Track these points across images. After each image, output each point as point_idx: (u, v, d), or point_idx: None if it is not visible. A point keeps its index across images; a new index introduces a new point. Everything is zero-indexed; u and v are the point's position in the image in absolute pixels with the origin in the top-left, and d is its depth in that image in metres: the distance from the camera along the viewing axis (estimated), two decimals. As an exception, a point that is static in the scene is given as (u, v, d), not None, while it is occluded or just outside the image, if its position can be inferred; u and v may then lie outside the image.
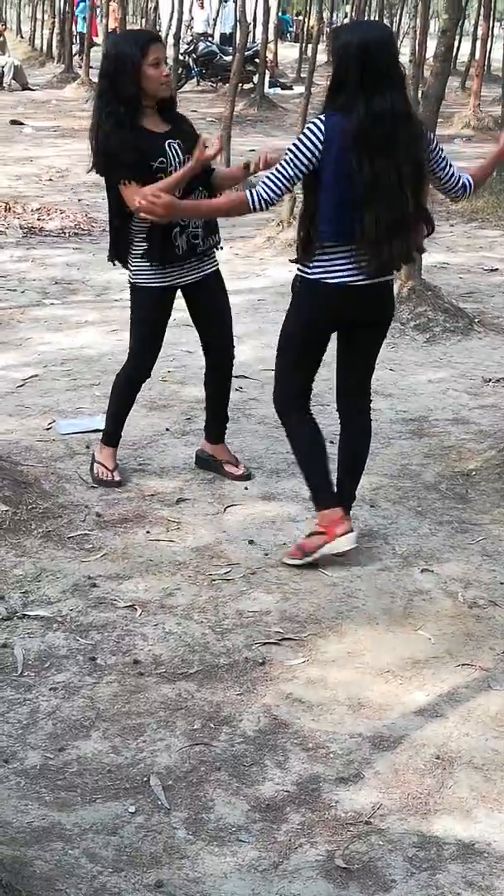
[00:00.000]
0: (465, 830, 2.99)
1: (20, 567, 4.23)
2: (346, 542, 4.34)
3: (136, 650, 3.76)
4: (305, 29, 33.10)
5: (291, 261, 4.25)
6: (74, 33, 26.53)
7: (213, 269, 4.83)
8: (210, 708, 3.47)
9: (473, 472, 5.24)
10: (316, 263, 4.09)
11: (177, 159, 4.55)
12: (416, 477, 5.23)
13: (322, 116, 3.96)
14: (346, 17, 38.71)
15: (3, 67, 24.38)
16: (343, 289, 4.09)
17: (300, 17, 38.97)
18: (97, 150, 4.59)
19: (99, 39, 25.14)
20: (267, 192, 4.00)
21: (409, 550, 4.54)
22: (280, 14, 34.23)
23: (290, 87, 25.88)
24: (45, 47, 33.39)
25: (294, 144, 3.95)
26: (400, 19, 35.22)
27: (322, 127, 3.91)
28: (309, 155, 3.92)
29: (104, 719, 3.39)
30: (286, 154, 3.97)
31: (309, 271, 4.11)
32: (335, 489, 4.43)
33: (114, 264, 4.90)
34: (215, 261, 4.86)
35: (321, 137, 3.90)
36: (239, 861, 2.86)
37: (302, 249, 4.15)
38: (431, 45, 11.93)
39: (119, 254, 4.79)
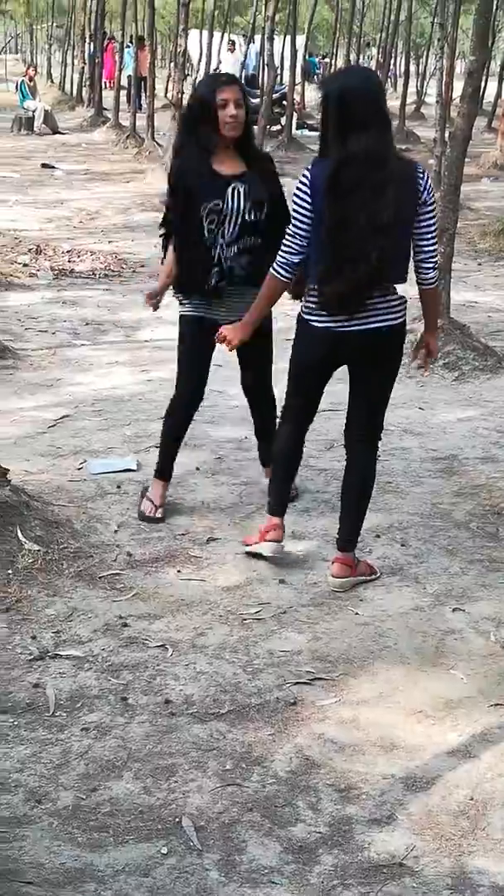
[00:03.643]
0: (499, 872, 2.96)
1: (52, 607, 4.25)
2: (265, 547, 4.65)
3: (167, 690, 3.76)
4: (332, 71, 33.43)
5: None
6: (115, 76, 26.76)
7: None
8: (242, 748, 3.46)
9: (504, 511, 5.22)
10: (307, 305, 4.28)
11: (237, 204, 4.63)
12: (446, 515, 5.22)
13: (309, 166, 4.14)
14: (371, 59, 39.04)
15: (33, 112, 24.66)
16: (327, 333, 4.23)
17: (327, 60, 39.32)
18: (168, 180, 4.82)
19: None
20: (285, 257, 4.21)
21: (441, 589, 4.52)
22: (307, 56, 34.53)
23: (317, 129, 26.02)
24: (74, 92, 33.80)
25: (293, 200, 4.16)
26: (426, 60, 35.48)
27: (308, 176, 4.10)
28: (303, 206, 4.11)
29: (136, 760, 3.39)
30: (291, 213, 4.18)
31: (304, 311, 4.30)
32: (285, 502, 4.73)
33: None
34: None
35: (307, 186, 4.10)
36: (272, 903, 2.84)
37: (297, 290, 4.41)
38: (458, 86, 12.00)
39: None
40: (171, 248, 4.84)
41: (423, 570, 4.68)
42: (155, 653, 3.99)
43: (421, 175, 4.10)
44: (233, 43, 30.79)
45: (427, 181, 4.12)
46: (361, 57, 36.79)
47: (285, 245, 4.19)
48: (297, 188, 4.11)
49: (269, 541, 4.65)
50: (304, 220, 4.11)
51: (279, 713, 3.65)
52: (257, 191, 4.65)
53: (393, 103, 28.82)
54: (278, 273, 4.24)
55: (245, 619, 4.24)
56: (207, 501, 5.29)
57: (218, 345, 4.64)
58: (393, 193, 4.00)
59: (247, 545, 4.76)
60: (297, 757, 3.43)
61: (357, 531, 4.58)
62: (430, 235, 4.18)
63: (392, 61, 30.40)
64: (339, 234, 4.02)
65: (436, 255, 4.23)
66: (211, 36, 23.32)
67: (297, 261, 4.17)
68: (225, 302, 4.77)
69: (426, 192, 4.10)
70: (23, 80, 25.28)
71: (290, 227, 4.15)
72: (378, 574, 4.61)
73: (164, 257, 4.92)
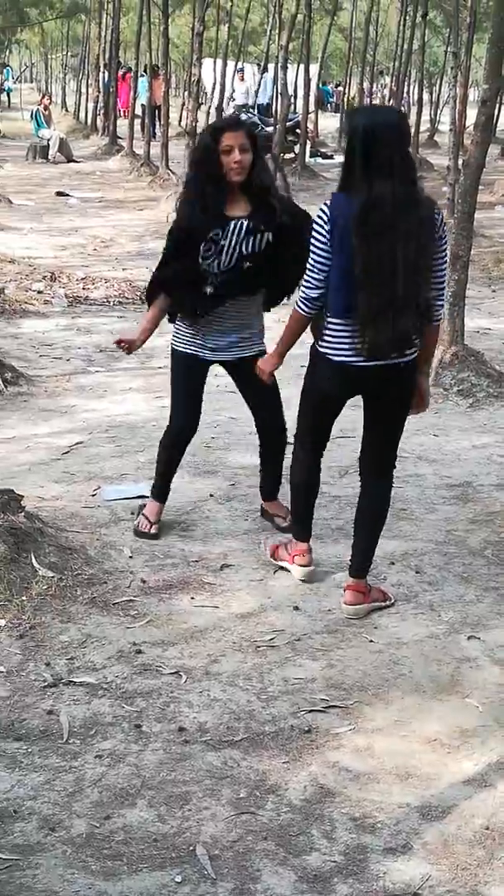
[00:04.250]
0: (516, 903, 2.93)
1: (66, 633, 4.25)
2: (297, 572, 4.78)
3: (181, 717, 3.75)
4: (346, 99, 33.60)
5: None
6: (130, 105, 26.92)
7: (253, 353, 4.92)
8: (256, 776, 3.45)
9: (519, 538, 5.21)
10: (325, 338, 4.27)
11: (236, 236, 4.67)
12: (461, 543, 5.21)
13: (329, 200, 4.15)
14: (384, 87, 39.23)
15: (48, 140, 24.83)
16: (343, 367, 4.24)
17: (340, 88, 39.55)
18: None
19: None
20: (306, 293, 4.23)
21: (456, 617, 4.50)
22: (320, 85, 34.73)
23: (332, 157, 26.15)
24: (89, 120, 34.03)
25: (312, 235, 4.15)
26: (440, 88, 35.64)
27: (328, 211, 4.11)
28: (321, 240, 4.12)
29: (150, 787, 3.38)
30: (310, 247, 4.16)
31: (320, 344, 4.30)
32: (310, 527, 4.82)
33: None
34: (256, 346, 4.97)
35: (327, 219, 4.10)
36: (286, 933, 2.82)
37: (314, 325, 4.36)
38: (471, 114, 12.05)
39: None
40: (155, 302, 4.88)
41: (438, 598, 4.66)
42: (169, 680, 3.98)
43: (438, 213, 4.14)
44: (242, 71, 30.96)
45: (441, 219, 4.16)
46: (375, 85, 37.01)
47: (305, 280, 4.21)
48: (316, 222, 4.13)
49: (300, 565, 4.77)
50: (323, 255, 4.12)
51: (293, 741, 3.64)
52: (259, 225, 4.67)
53: (406, 131, 28.94)
54: (301, 308, 4.27)
55: (259, 647, 4.23)
56: (221, 528, 5.29)
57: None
58: (426, 238, 4.05)
59: (271, 556, 4.91)
60: (312, 785, 3.41)
61: (370, 558, 4.59)
62: (442, 272, 4.23)
63: (405, 90, 30.51)
64: (378, 278, 4.02)
65: (444, 292, 4.29)
66: (225, 65, 23.47)
67: (316, 295, 4.19)
68: (213, 328, 4.85)
69: (441, 229, 4.15)
70: (38, 109, 25.48)
71: (309, 261, 4.17)
72: (392, 601, 4.60)
73: (149, 308, 4.95)
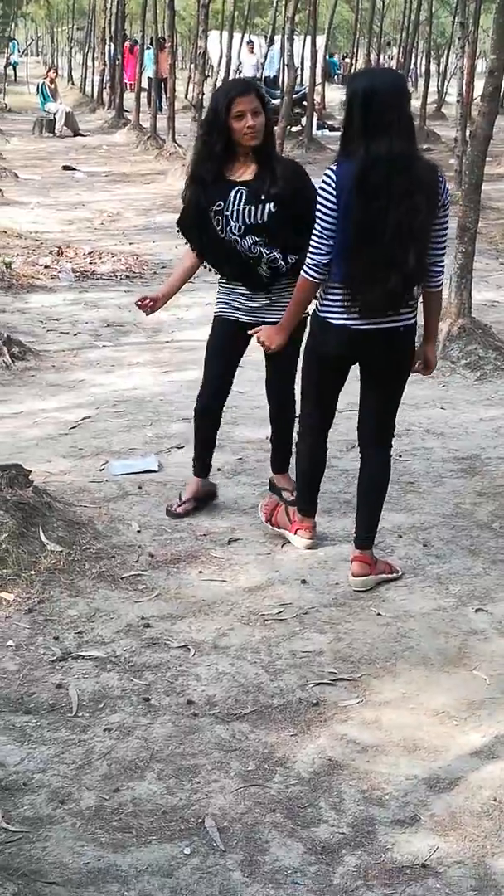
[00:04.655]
0: (523, 874, 2.95)
1: (74, 607, 4.26)
2: (297, 541, 4.82)
3: (189, 691, 3.76)
4: (352, 71, 33.38)
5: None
6: (137, 78, 26.77)
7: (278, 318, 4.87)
8: (264, 749, 3.46)
9: (527, 511, 5.20)
10: (325, 302, 4.27)
11: (235, 205, 4.66)
12: (469, 516, 5.20)
13: (333, 166, 4.12)
14: (391, 58, 38.98)
15: (54, 114, 24.75)
16: (343, 329, 4.24)
17: (347, 60, 39.32)
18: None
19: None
20: (314, 258, 4.18)
21: (463, 590, 4.51)
22: (327, 57, 34.51)
23: (338, 129, 25.84)
24: (95, 94, 33.88)
25: (317, 199, 4.13)
26: (447, 60, 35.42)
27: (333, 176, 4.08)
28: (329, 206, 4.09)
29: (158, 760, 3.39)
30: (317, 213, 4.14)
31: (319, 309, 4.30)
32: (315, 503, 4.83)
33: None
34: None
35: (334, 185, 4.07)
36: (295, 904, 2.84)
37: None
38: (478, 85, 11.97)
39: None
40: (185, 253, 4.88)
41: (446, 571, 4.67)
42: (177, 653, 3.99)
43: (441, 179, 4.12)
44: (252, 43, 30.75)
45: (445, 185, 4.15)
46: (382, 57, 36.80)
47: (313, 245, 4.18)
48: (322, 188, 4.10)
49: (304, 538, 4.82)
50: (331, 219, 4.09)
51: (302, 714, 3.65)
52: (259, 192, 4.66)
53: (413, 103, 28.70)
54: (309, 275, 4.24)
55: (267, 620, 4.24)
56: (229, 502, 5.29)
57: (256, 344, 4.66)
58: (422, 198, 4.02)
59: (267, 520, 4.93)
60: (320, 758, 3.42)
61: (374, 529, 4.59)
62: (443, 239, 4.21)
63: (412, 61, 30.34)
64: (371, 238, 4.02)
65: (444, 258, 4.27)
66: (231, 37, 23.35)
67: (325, 261, 4.16)
68: (246, 303, 4.81)
69: (444, 195, 4.13)
70: (44, 83, 25.40)
71: (317, 226, 4.14)
72: (400, 574, 4.60)
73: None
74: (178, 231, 5.02)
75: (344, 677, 3.86)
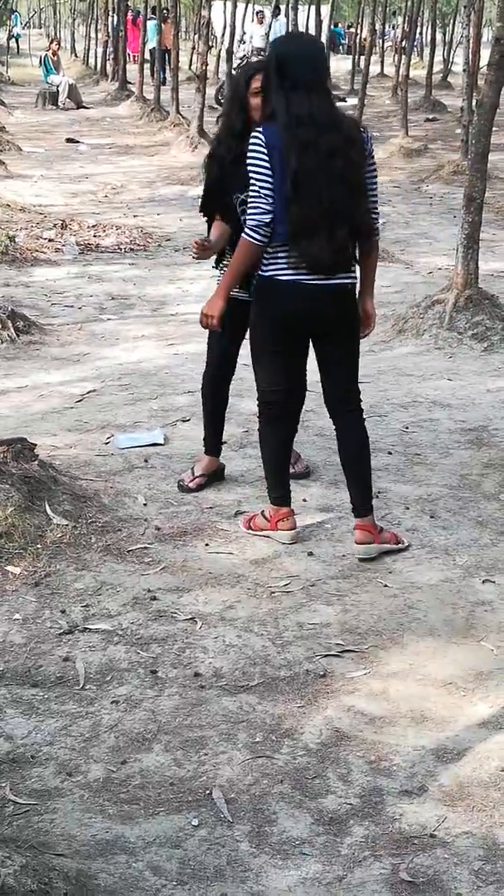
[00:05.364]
0: (531, 844, 2.95)
1: (81, 581, 4.26)
2: (283, 536, 4.62)
3: (196, 663, 3.76)
4: (358, 41, 33.14)
5: None
6: (140, 50, 26.58)
7: None
8: (272, 720, 3.46)
9: (534, 482, 5.19)
10: (271, 261, 4.24)
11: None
12: (476, 487, 5.19)
13: (259, 128, 4.16)
14: (397, 27, 38.70)
15: (57, 86, 24.65)
16: (294, 286, 4.22)
17: (352, 30, 39.02)
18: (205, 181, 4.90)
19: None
20: (257, 218, 4.15)
21: (470, 561, 4.50)
22: (332, 27, 34.25)
23: (344, 99, 25.79)
24: (98, 66, 33.70)
25: (249, 163, 4.13)
26: (453, 29, 35.14)
27: (262, 137, 4.11)
28: (262, 164, 4.10)
29: (166, 732, 3.39)
30: (251, 175, 4.13)
31: (265, 269, 4.26)
32: (289, 491, 4.68)
33: None
34: None
35: (263, 143, 4.10)
36: (302, 874, 2.84)
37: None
38: (484, 54, 11.87)
39: None
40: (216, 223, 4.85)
41: (453, 542, 4.66)
42: (184, 626, 3.99)
43: (364, 131, 4.26)
44: (262, 13, 30.50)
45: (369, 137, 4.26)
46: (387, 26, 36.54)
47: (252, 206, 4.14)
48: (253, 148, 4.12)
49: (285, 530, 4.64)
50: (266, 176, 4.09)
51: (309, 685, 3.65)
52: None
53: (420, 72, 28.63)
54: (252, 237, 4.16)
55: (274, 592, 4.24)
56: (234, 475, 5.28)
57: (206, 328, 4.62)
58: (357, 152, 4.14)
59: (248, 529, 4.72)
60: (328, 729, 3.42)
61: (369, 496, 4.55)
62: (374, 187, 4.31)
63: (418, 30, 30.09)
64: (309, 190, 4.05)
65: (377, 207, 4.36)
66: (234, 7, 23.15)
67: (268, 219, 4.11)
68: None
69: (369, 145, 4.25)
70: (46, 55, 25.27)
71: (253, 188, 4.12)
72: (406, 545, 4.59)
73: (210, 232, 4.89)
74: (204, 219, 4.92)
75: (351, 649, 3.86)
